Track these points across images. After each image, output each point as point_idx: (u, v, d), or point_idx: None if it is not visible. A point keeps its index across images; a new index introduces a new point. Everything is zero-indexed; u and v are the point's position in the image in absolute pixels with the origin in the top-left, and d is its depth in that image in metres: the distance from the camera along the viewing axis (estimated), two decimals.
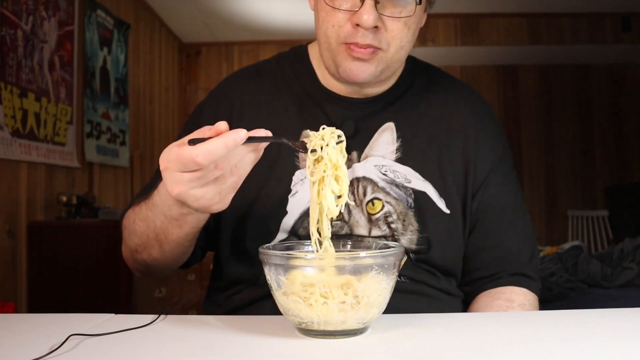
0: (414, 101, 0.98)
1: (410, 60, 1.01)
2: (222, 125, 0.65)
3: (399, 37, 0.86)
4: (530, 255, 0.96)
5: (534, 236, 0.99)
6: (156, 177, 0.97)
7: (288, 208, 0.90)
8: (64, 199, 2.66)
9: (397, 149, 0.94)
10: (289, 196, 0.91)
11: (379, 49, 0.86)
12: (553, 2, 4.40)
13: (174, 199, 0.72)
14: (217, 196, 0.68)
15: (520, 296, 0.91)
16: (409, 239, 0.91)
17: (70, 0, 2.92)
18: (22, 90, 2.46)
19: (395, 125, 0.95)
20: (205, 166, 0.63)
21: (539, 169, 5.21)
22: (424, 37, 4.60)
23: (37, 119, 2.57)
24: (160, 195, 0.77)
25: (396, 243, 0.79)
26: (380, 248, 0.72)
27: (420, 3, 0.85)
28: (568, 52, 4.97)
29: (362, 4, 0.82)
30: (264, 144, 0.68)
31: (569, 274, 2.28)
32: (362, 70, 0.87)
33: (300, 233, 0.90)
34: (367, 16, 0.81)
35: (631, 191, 4.87)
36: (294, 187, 0.92)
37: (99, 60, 3.30)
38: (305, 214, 0.90)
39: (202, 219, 0.78)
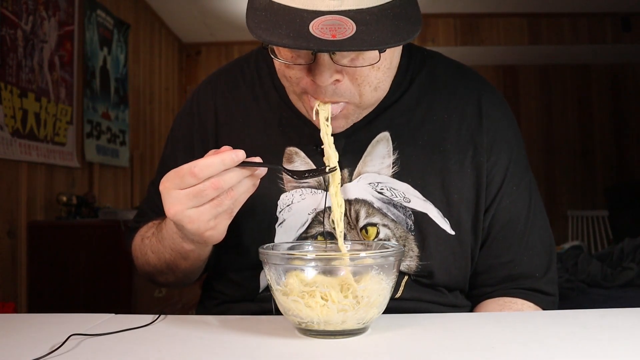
0: (412, 104, 0.86)
1: (407, 53, 0.87)
2: (225, 148, 0.68)
3: (366, 82, 0.73)
4: (546, 268, 0.87)
5: (551, 243, 0.89)
6: (151, 194, 0.98)
7: (276, 239, 0.83)
8: (64, 199, 2.66)
9: (393, 163, 0.83)
10: (276, 225, 0.84)
11: (347, 102, 0.75)
12: (553, 2, 4.40)
13: (176, 232, 0.74)
14: (213, 221, 0.69)
15: (531, 310, 0.85)
16: (406, 265, 0.82)
17: (70, 0, 2.92)
18: (22, 90, 2.46)
19: (391, 135, 0.83)
20: (202, 179, 0.65)
21: (539, 169, 5.21)
22: (424, 37, 4.60)
23: (37, 119, 2.57)
24: (166, 229, 0.80)
25: (396, 243, 0.80)
26: (379, 248, 0.72)
27: (384, 51, 0.69)
28: (568, 52, 4.97)
29: (315, 58, 0.69)
30: (262, 172, 0.69)
31: (569, 274, 2.28)
32: (333, 127, 0.75)
33: None
34: (321, 76, 0.69)
35: (631, 191, 4.87)
36: (280, 214, 0.83)
37: (99, 60, 3.30)
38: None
39: (204, 254, 0.80)
